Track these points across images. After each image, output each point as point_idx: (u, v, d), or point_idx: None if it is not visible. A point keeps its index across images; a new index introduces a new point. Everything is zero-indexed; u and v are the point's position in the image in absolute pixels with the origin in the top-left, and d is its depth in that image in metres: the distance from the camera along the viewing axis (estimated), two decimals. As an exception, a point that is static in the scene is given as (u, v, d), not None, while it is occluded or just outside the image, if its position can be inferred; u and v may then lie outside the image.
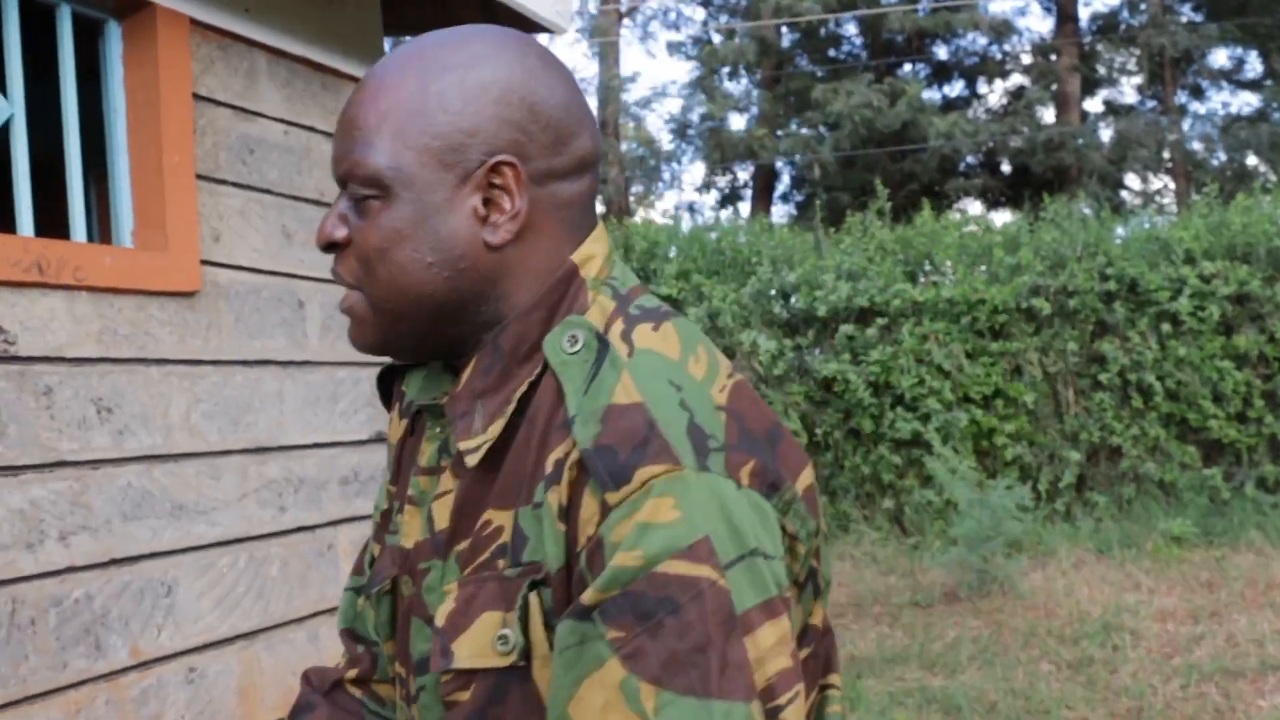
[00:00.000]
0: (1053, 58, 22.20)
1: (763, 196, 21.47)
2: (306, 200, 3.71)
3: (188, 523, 3.17)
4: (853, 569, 7.94)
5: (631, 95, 23.32)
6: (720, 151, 20.00)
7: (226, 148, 3.43)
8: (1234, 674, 5.24)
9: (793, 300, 9.43)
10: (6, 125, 2.96)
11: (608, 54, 20.14)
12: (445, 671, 0.97)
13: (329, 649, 3.62)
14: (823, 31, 21.46)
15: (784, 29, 20.55)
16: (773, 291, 9.39)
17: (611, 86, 20.54)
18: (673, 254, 10.03)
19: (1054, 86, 21.74)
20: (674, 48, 23.71)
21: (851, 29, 22.34)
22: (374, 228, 0.99)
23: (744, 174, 22.62)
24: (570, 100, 1.01)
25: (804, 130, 20.34)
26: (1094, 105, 24.13)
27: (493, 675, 0.94)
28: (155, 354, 3.12)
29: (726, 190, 23.22)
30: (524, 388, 0.98)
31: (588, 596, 0.86)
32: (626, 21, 21.75)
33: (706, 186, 23.45)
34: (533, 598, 0.93)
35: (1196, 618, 6.20)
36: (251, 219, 3.48)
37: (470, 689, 0.96)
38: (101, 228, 4.96)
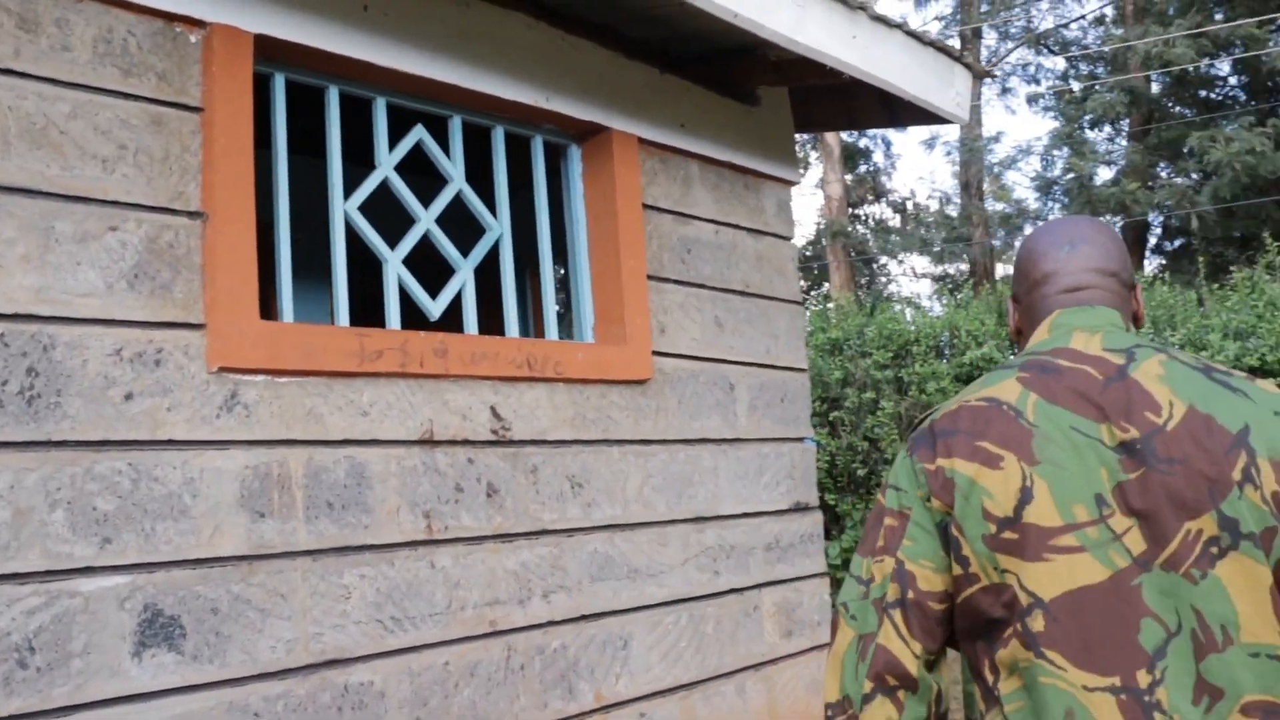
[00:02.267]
0: None
1: (1134, 251, 20.65)
2: (734, 292, 4.09)
3: (641, 584, 3.57)
4: None
5: (996, 155, 23.05)
6: (1090, 207, 19.40)
7: (669, 249, 3.85)
8: None
9: (1176, 361, 9.12)
10: (496, 243, 3.49)
11: (969, 115, 19.97)
12: None
13: (754, 703, 3.93)
14: (1191, 70, 20.46)
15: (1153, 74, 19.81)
16: (1155, 353, 9.12)
17: (974, 148, 20.40)
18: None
19: None
20: (1033, 100, 23.22)
21: (1226, 67, 21.21)
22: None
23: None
24: (1034, 254, 1.72)
25: (1177, 180, 19.44)
26: None
27: None
28: (615, 435, 3.55)
29: (1092, 244, 22.39)
30: None
31: None
32: (986, 80, 21.54)
33: (1072, 242, 22.66)
34: None
35: None
36: (690, 312, 3.89)
37: None
38: (535, 320, 5.55)
